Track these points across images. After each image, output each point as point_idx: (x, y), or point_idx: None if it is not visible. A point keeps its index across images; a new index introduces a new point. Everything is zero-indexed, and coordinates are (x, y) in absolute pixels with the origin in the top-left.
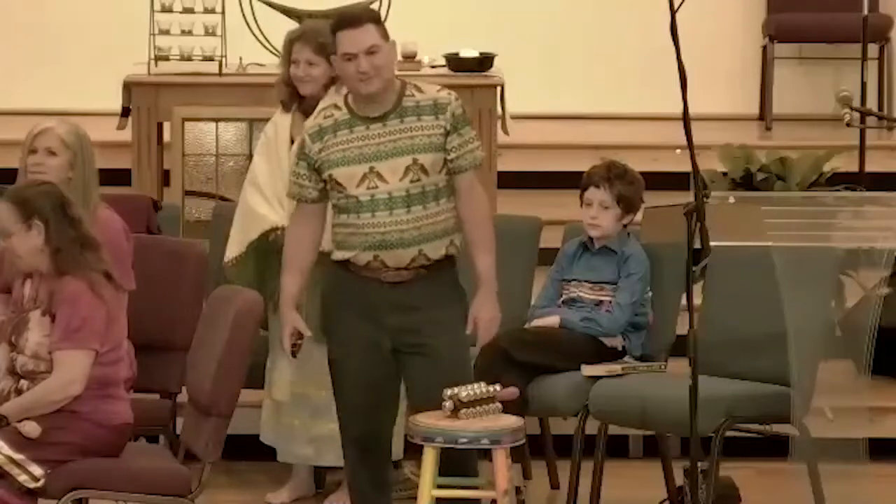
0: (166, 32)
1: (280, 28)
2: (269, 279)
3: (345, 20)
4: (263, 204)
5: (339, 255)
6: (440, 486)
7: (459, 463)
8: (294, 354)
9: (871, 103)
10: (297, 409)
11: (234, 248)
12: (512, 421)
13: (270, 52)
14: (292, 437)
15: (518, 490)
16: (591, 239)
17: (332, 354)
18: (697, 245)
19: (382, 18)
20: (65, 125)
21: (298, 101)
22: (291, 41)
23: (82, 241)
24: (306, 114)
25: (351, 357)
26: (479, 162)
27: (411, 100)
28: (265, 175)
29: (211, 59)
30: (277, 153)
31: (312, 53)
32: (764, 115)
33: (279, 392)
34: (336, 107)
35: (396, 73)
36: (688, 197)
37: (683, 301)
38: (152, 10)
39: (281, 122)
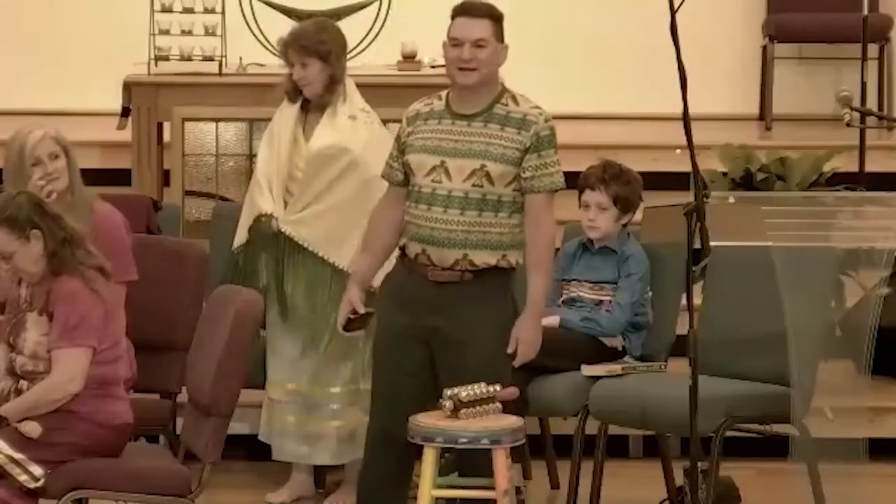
0: (166, 32)
1: (280, 28)
2: (262, 269)
3: (463, 7)
4: (258, 191)
5: (402, 241)
6: (447, 486)
7: (474, 463)
8: (346, 329)
9: (871, 103)
10: (292, 407)
11: (239, 236)
12: (512, 421)
13: (270, 52)
14: (287, 435)
15: (518, 490)
16: (590, 239)
17: (375, 339)
18: (697, 245)
19: (501, 18)
20: (48, 127)
21: (304, 97)
22: (284, 48)
23: (70, 239)
24: (312, 109)
25: (386, 344)
26: (556, 188)
27: (503, 108)
28: (264, 161)
29: (211, 59)
30: (279, 140)
31: (301, 56)
32: (764, 115)
33: (275, 391)
34: (438, 97)
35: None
36: (688, 197)
37: (683, 301)
38: (152, 10)
39: (287, 112)
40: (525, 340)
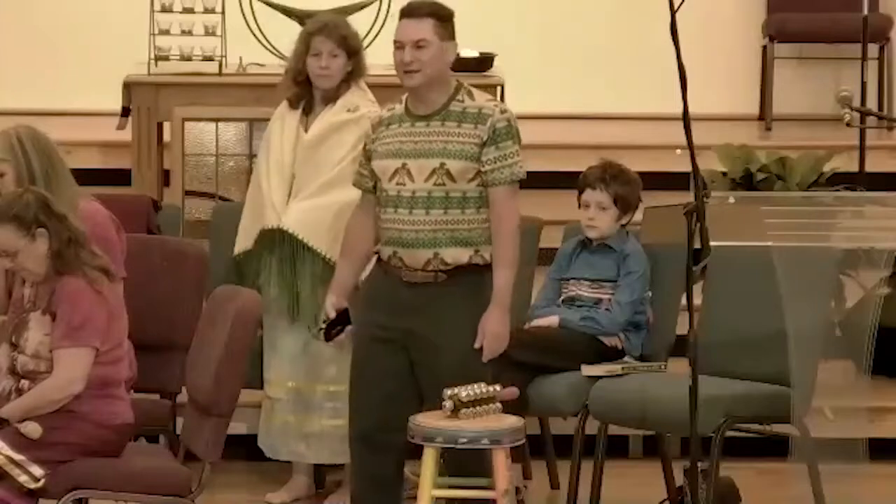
0: (166, 32)
1: (280, 28)
2: (265, 277)
3: (407, 8)
4: (263, 202)
5: (377, 246)
6: (447, 486)
7: (467, 463)
8: (327, 339)
9: (871, 103)
10: (292, 406)
11: (242, 242)
12: (512, 421)
13: (270, 52)
14: (287, 434)
15: (518, 490)
16: (589, 237)
17: (353, 343)
18: (697, 245)
19: (447, 17)
20: None
21: (308, 99)
22: (311, 34)
23: (75, 239)
24: (314, 109)
25: (364, 348)
26: (517, 178)
27: (459, 105)
28: (263, 170)
29: (211, 59)
30: (281, 149)
31: (335, 46)
32: (764, 115)
33: (274, 390)
34: (399, 101)
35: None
36: (688, 197)
37: (683, 301)
38: (152, 10)
39: (289, 119)
40: (491, 334)
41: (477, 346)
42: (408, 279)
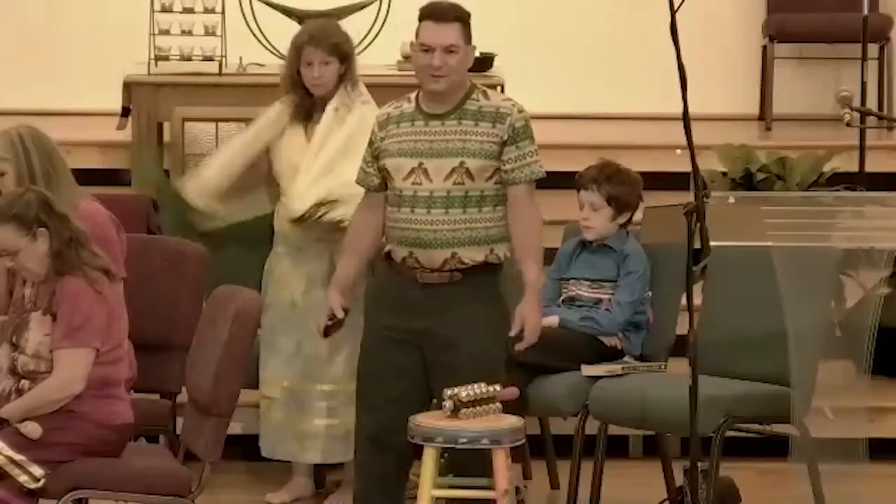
0: (166, 32)
1: (280, 28)
2: (282, 272)
3: (432, 10)
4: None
5: (386, 247)
6: (447, 486)
7: (467, 463)
8: (325, 335)
9: (871, 103)
10: (286, 405)
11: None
12: (512, 421)
13: (270, 52)
14: (279, 433)
15: (518, 490)
16: None
17: (362, 343)
18: (697, 245)
19: (469, 20)
20: None
21: (308, 106)
22: (301, 45)
23: (75, 238)
24: (319, 111)
25: (375, 348)
26: (537, 176)
27: (475, 104)
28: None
29: (211, 59)
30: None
31: (326, 54)
32: (764, 115)
33: (269, 389)
34: (408, 99)
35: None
36: (688, 197)
37: (683, 301)
38: (152, 10)
39: (290, 131)
40: (532, 324)
41: (513, 334)
42: (423, 280)
